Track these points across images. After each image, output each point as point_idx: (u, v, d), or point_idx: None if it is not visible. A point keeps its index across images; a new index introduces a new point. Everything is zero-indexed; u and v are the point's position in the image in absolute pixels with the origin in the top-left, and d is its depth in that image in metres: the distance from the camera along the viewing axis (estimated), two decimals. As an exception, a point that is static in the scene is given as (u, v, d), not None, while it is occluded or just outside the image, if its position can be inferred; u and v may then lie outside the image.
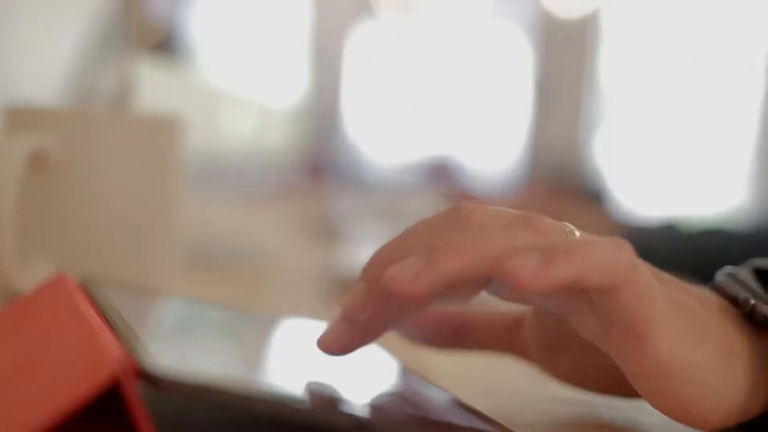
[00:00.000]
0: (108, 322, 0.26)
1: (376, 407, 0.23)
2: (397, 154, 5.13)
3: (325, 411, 0.21)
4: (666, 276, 0.30)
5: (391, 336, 0.45)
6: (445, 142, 5.03)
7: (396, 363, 0.33)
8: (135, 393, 0.20)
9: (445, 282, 0.25)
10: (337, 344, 0.28)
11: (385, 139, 5.20)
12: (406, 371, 0.32)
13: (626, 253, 0.26)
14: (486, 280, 0.29)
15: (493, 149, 4.98)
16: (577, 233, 0.28)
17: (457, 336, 0.35)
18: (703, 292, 0.30)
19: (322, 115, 4.99)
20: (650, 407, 0.35)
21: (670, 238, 0.75)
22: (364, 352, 0.34)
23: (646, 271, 0.26)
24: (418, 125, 5.09)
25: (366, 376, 0.29)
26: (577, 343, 0.33)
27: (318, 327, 0.38)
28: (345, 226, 1.00)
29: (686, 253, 0.73)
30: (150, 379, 0.19)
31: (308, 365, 0.28)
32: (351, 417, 0.22)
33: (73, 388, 0.20)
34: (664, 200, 4.45)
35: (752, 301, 0.29)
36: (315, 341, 0.29)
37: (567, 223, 0.28)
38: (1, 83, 1.01)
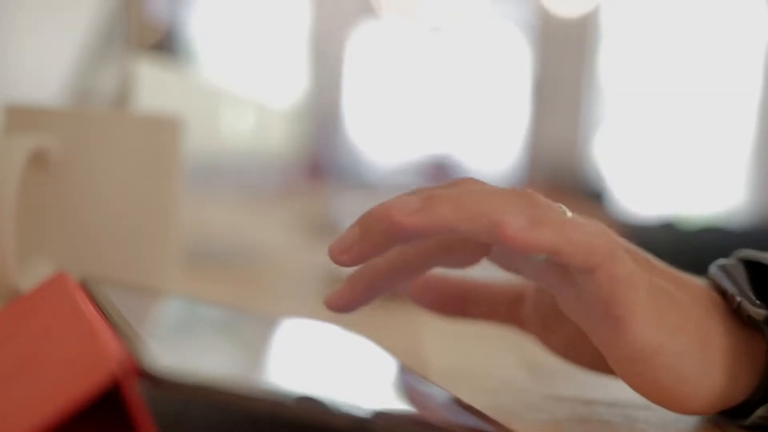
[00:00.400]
0: (108, 321, 0.26)
1: (375, 407, 0.23)
2: (396, 153, 5.13)
3: (325, 411, 0.21)
4: (656, 264, 0.31)
5: (390, 336, 0.46)
6: (445, 142, 5.03)
7: (395, 362, 0.33)
8: (135, 393, 0.20)
9: (438, 227, 0.26)
10: (340, 300, 0.31)
11: (385, 138, 5.20)
12: (405, 370, 0.32)
13: (606, 237, 0.27)
14: (483, 246, 0.31)
15: (493, 148, 4.98)
16: (569, 214, 0.29)
17: (461, 305, 0.36)
18: (693, 282, 0.31)
19: (321, 115, 4.99)
20: (647, 404, 0.35)
21: (669, 236, 0.75)
22: (364, 352, 0.34)
23: (626, 257, 0.28)
24: (418, 124, 5.09)
25: (366, 376, 0.29)
26: (573, 321, 0.34)
27: (318, 326, 0.38)
28: (345, 225, 1.00)
29: (685, 251, 0.73)
30: (150, 379, 0.19)
31: (308, 365, 0.28)
32: (351, 417, 0.22)
33: (72, 387, 0.20)
34: (663, 199, 4.46)
35: (738, 299, 0.30)
36: (323, 302, 0.31)
37: (561, 205, 0.30)
38: (1, 83, 1.01)
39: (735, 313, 0.31)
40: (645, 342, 0.28)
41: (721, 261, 0.32)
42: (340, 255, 0.29)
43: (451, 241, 0.31)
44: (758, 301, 0.30)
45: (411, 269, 0.31)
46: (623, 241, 0.31)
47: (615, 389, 0.37)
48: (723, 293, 0.31)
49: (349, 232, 0.29)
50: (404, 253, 0.31)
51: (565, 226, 0.27)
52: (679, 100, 4.62)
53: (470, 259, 0.31)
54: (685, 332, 0.29)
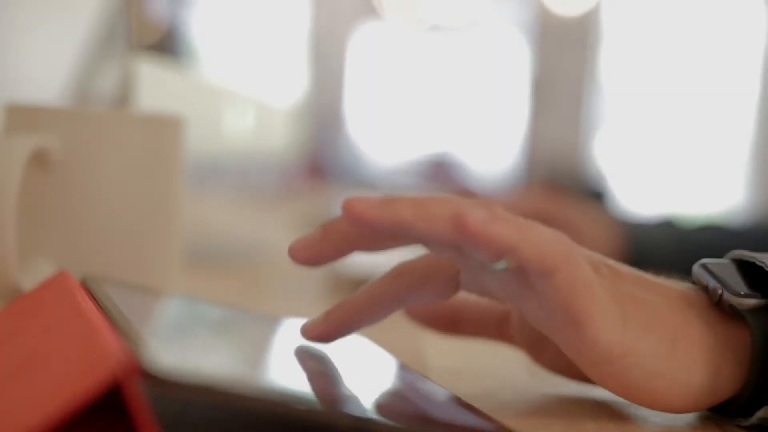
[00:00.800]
0: (109, 320, 0.26)
1: (375, 406, 0.23)
2: (396, 153, 5.13)
3: (325, 411, 0.21)
4: (624, 269, 0.32)
5: (390, 336, 0.46)
6: (445, 141, 5.03)
7: (395, 361, 0.33)
8: (136, 392, 0.20)
9: (395, 223, 0.27)
10: (315, 330, 0.33)
11: (385, 138, 5.20)
12: (405, 369, 0.32)
13: (563, 243, 0.28)
14: (453, 279, 0.32)
15: (493, 148, 4.98)
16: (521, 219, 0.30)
17: (453, 323, 0.37)
18: (665, 285, 0.32)
19: (322, 114, 5.00)
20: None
21: (668, 234, 0.76)
22: (365, 351, 0.34)
23: (583, 263, 0.29)
24: (418, 124, 5.09)
25: (365, 375, 0.29)
26: None
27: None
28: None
29: (684, 249, 0.73)
30: (151, 378, 0.19)
31: (308, 365, 0.28)
32: (351, 417, 0.22)
33: (73, 386, 0.20)
34: (662, 198, 4.46)
35: (719, 292, 0.30)
36: (300, 331, 0.33)
37: (520, 216, 0.31)
38: (4, 82, 1.01)
39: (716, 308, 0.31)
40: (610, 344, 0.29)
41: (705, 260, 0.32)
42: (298, 252, 0.30)
43: (418, 274, 0.32)
44: (744, 293, 0.30)
45: (386, 306, 0.32)
46: (583, 249, 0.31)
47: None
48: (705, 289, 0.31)
49: (312, 232, 0.30)
50: (376, 289, 0.32)
51: (524, 227, 0.28)
52: (678, 100, 4.63)
53: (441, 290, 0.32)
54: (652, 332, 0.30)
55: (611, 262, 0.32)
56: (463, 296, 0.37)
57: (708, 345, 0.30)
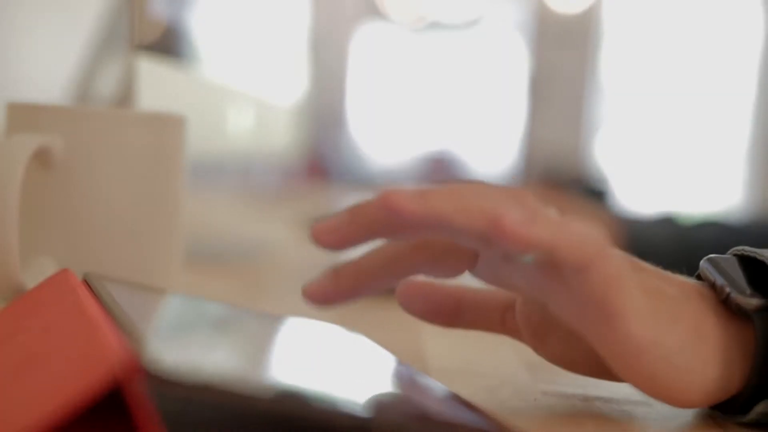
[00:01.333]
0: (110, 319, 0.26)
1: (376, 406, 0.24)
2: (397, 151, 5.13)
3: (326, 410, 0.21)
4: (644, 265, 0.32)
5: (390, 334, 0.46)
6: (444, 139, 5.03)
7: (395, 360, 0.34)
8: (138, 391, 0.20)
9: (434, 217, 0.27)
10: (320, 292, 0.31)
11: (386, 136, 5.20)
12: (405, 368, 0.32)
13: (598, 237, 0.28)
14: (471, 255, 0.31)
15: (493, 146, 4.98)
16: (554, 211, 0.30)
17: (454, 314, 0.35)
18: (681, 280, 0.32)
19: (323, 113, 4.99)
20: (646, 400, 0.35)
21: (668, 230, 0.76)
22: (365, 350, 0.34)
23: (617, 256, 0.29)
24: (418, 122, 5.09)
25: (366, 375, 0.29)
26: (564, 328, 0.34)
27: (318, 325, 0.38)
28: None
29: (683, 246, 0.74)
30: (153, 377, 0.20)
31: (309, 363, 0.28)
32: (351, 416, 0.22)
33: (74, 386, 0.20)
34: (661, 196, 4.46)
35: (727, 290, 0.31)
36: (302, 292, 0.30)
37: (552, 208, 0.30)
38: (4, 82, 1.01)
39: (724, 305, 0.31)
40: (641, 337, 0.29)
41: (712, 255, 0.32)
42: (321, 235, 0.29)
43: (439, 247, 0.31)
44: (749, 291, 0.30)
45: (397, 272, 0.31)
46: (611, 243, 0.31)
47: (613, 386, 0.37)
48: (713, 285, 0.32)
49: (337, 215, 0.29)
50: (392, 254, 0.31)
51: (559, 225, 0.28)
52: (677, 98, 4.63)
53: (456, 268, 0.32)
54: (679, 326, 0.30)
55: (628, 254, 0.32)
56: (463, 286, 0.36)
57: (722, 340, 0.30)
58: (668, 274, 0.32)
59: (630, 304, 0.29)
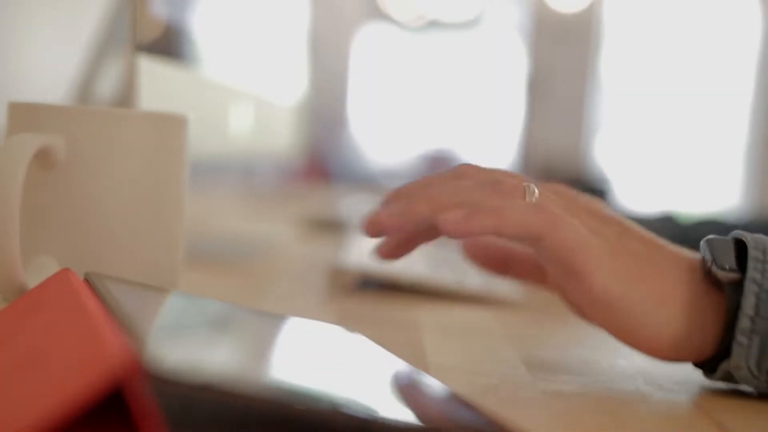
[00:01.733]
0: (112, 318, 0.27)
1: (376, 406, 0.24)
2: (397, 150, 5.13)
3: (327, 410, 0.21)
4: (631, 227, 0.37)
5: (390, 333, 0.46)
6: (445, 138, 5.03)
7: (395, 360, 0.34)
8: (139, 391, 0.20)
9: (415, 221, 0.35)
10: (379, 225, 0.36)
11: (386, 135, 5.20)
12: (404, 368, 0.32)
13: (546, 212, 0.34)
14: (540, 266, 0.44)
15: (493, 145, 4.98)
16: (536, 191, 0.36)
17: (503, 264, 0.44)
18: (668, 248, 0.37)
19: (323, 113, 4.99)
20: (644, 398, 0.35)
21: (668, 229, 0.76)
22: (365, 351, 0.34)
23: (571, 224, 0.34)
24: (418, 121, 5.09)
25: (366, 375, 0.29)
26: None
27: (319, 326, 0.38)
28: (347, 222, 1.00)
29: (683, 243, 0.74)
30: (154, 377, 0.20)
31: (310, 364, 0.28)
32: (351, 417, 0.22)
33: (75, 386, 0.20)
34: (660, 196, 4.46)
35: (709, 264, 0.35)
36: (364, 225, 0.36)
37: (529, 184, 0.37)
38: (5, 82, 1.01)
39: (708, 277, 0.36)
40: (606, 292, 0.35)
41: (712, 236, 0.36)
42: (388, 219, 0.35)
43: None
44: (729, 267, 0.35)
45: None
46: (583, 210, 0.37)
47: (613, 382, 0.38)
48: (703, 260, 0.36)
49: (389, 208, 0.36)
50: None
51: (503, 211, 0.34)
52: (677, 98, 4.64)
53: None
54: (644, 285, 0.35)
55: (624, 220, 0.38)
56: (516, 246, 0.44)
57: (695, 306, 0.35)
58: (659, 242, 0.37)
59: (594, 263, 0.34)
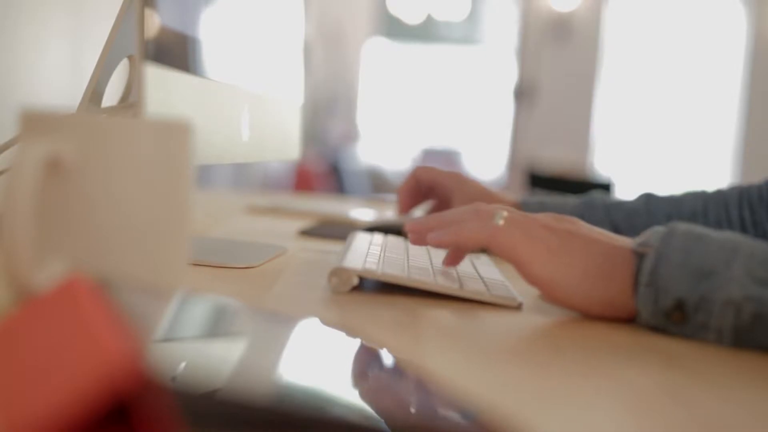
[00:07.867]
0: (118, 321, 0.27)
1: (375, 406, 0.24)
2: (398, 149, 5.12)
3: (325, 411, 0.22)
4: (575, 234, 0.53)
5: (390, 334, 0.46)
6: (446, 137, 5.01)
7: (396, 362, 0.34)
8: (140, 393, 0.20)
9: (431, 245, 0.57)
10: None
11: (387, 136, 5.18)
12: (405, 370, 0.33)
13: (486, 225, 0.53)
14: None
15: (492, 145, 4.96)
16: (504, 213, 0.54)
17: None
18: (598, 238, 0.53)
19: (324, 113, 4.98)
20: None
21: (648, 204, 0.86)
22: (365, 352, 0.35)
23: (507, 231, 0.52)
24: (417, 122, 5.07)
25: (365, 375, 0.29)
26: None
27: (320, 328, 0.39)
28: (347, 221, 1.00)
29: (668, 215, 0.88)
30: (155, 379, 0.20)
31: (312, 366, 0.28)
32: (350, 417, 0.22)
33: (77, 390, 0.20)
34: (656, 189, 4.46)
35: (632, 246, 0.51)
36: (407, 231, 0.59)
37: (499, 210, 0.54)
38: (15, 89, 1.02)
39: (636, 254, 0.50)
40: (540, 276, 0.52)
41: (656, 227, 0.50)
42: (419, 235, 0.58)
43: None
44: (642, 242, 0.50)
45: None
46: (539, 224, 0.53)
47: (610, 383, 0.38)
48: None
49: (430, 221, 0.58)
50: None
51: (463, 228, 0.54)
52: (676, 98, 4.63)
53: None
54: (570, 267, 0.51)
55: (573, 228, 0.53)
56: None
57: (613, 278, 0.51)
58: (598, 237, 0.52)
59: (532, 256, 0.51)
